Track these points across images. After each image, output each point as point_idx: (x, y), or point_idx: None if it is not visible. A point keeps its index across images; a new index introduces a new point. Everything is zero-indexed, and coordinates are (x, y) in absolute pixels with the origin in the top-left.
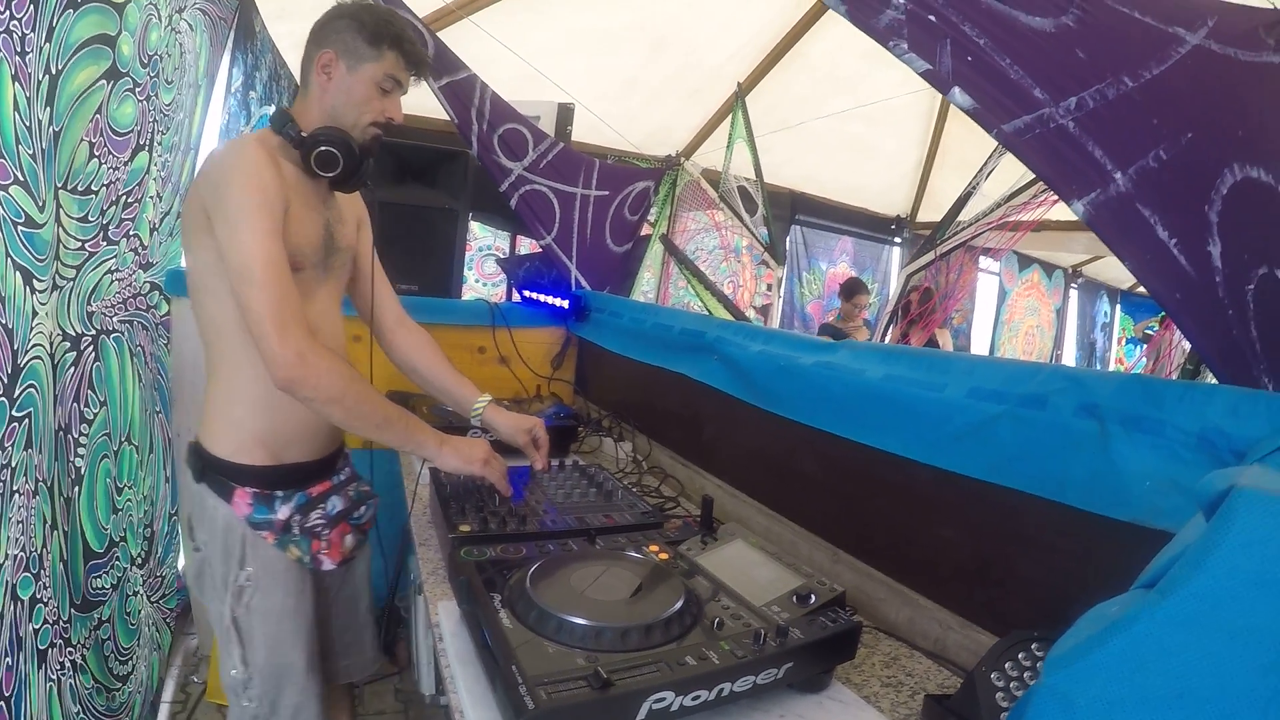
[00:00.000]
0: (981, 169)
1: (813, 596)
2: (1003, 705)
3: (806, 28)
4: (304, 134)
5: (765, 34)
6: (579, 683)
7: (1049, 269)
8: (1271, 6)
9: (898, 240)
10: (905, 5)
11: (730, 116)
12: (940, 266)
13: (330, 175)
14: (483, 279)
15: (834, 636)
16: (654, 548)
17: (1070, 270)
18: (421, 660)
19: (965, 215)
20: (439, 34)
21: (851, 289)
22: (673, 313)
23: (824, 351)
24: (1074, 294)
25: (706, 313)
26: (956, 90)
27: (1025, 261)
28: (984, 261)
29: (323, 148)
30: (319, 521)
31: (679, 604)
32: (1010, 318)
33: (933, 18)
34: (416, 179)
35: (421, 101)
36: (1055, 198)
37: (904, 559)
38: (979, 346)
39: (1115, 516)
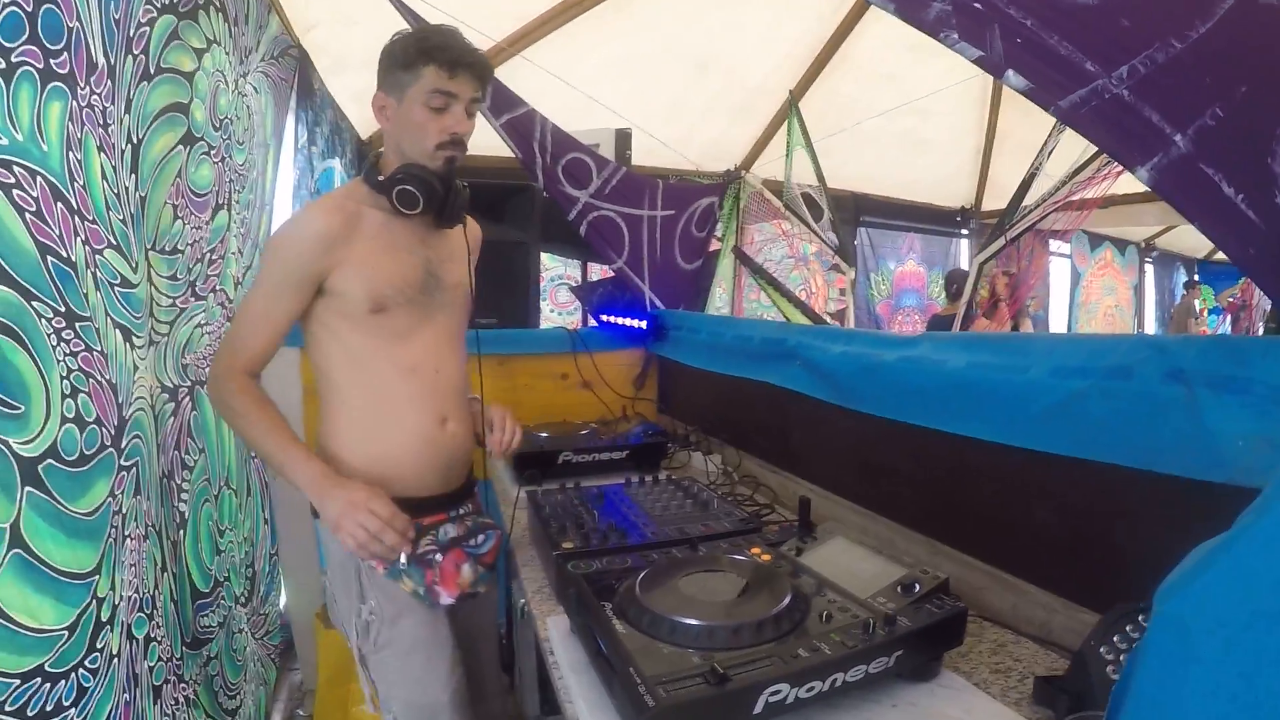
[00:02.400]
0: (1042, 148)
1: (917, 585)
2: (1113, 678)
3: (848, 30)
4: (381, 178)
5: (806, 41)
6: (696, 679)
7: (1121, 245)
8: None
9: (964, 232)
10: None
11: (786, 125)
12: (1011, 252)
13: (415, 212)
14: (557, 308)
15: (941, 622)
16: (756, 550)
17: (1143, 244)
18: (524, 683)
19: (1031, 197)
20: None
21: (957, 279)
22: (751, 323)
23: (906, 346)
24: (1149, 268)
25: (784, 320)
26: (1010, 73)
27: (1096, 240)
28: (1054, 244)
29: (400, 186)
30: (429, 548)
31: (787, 600)
32: (1086, 299)
33: (979, 5)
34: (485, 215)
35: (484, 140)
36: (1119, 170)
37: (1002, 545)
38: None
39: (1210, 479)
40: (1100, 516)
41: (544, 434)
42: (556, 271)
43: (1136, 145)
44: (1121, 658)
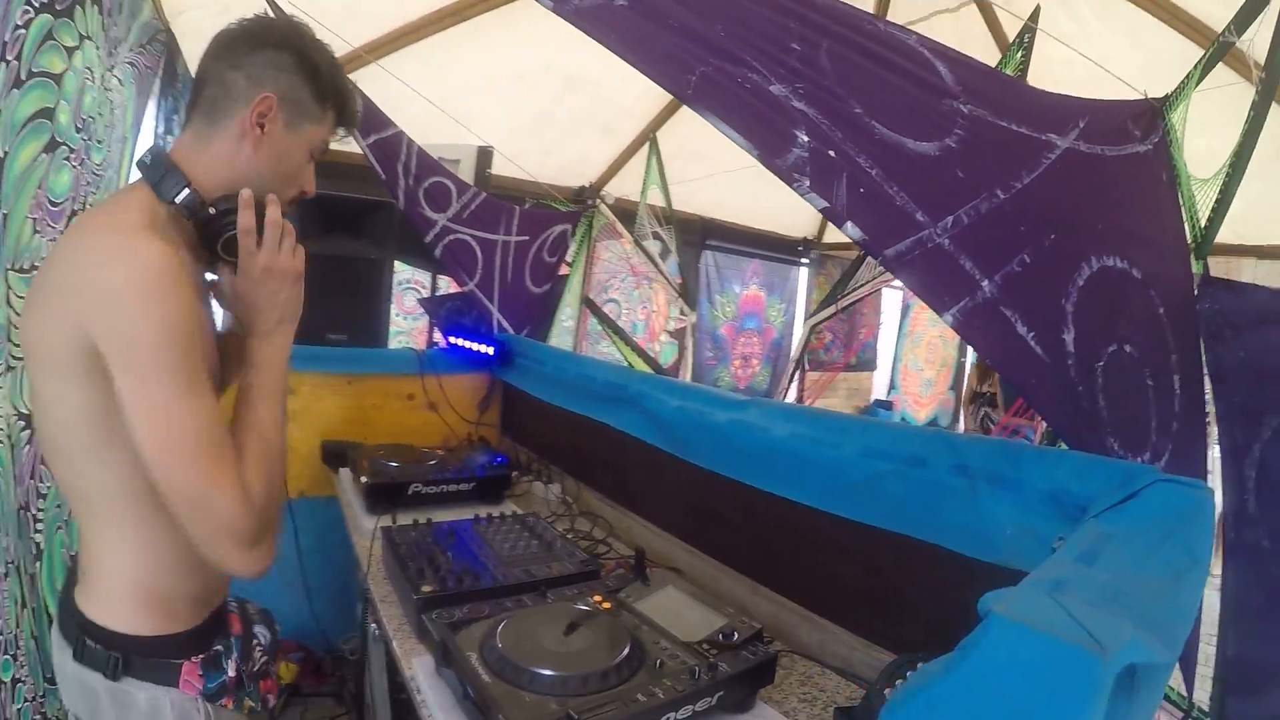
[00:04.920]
0: None
1: (735, 634)
2: None
3: None
4: (208, 205)
5: None
6: None
7: None
8: (1141, 96)
9: (804, 261)
10: (809, 144)
11: (647, 155)
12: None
13: (231, 259)
14: (404, 313)
15: (755, 667)
16: (598, 598)
17: None
18: (376, 701)
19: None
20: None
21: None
22: (595, 364)
23: (736, 409)
24: None
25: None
26: (849, 224)
27: None
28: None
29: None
30: (262, 658)
31: (626, 650)
32: (913, 329)
33: (832, 153)
34: (343, 230)
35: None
36: None
37: (813, 591)
38: (883, 359)
39: (982, 559)
40: (896, 574)
41: (394, 463)
42: (405, 276)
43: (948, 291)
44: None
